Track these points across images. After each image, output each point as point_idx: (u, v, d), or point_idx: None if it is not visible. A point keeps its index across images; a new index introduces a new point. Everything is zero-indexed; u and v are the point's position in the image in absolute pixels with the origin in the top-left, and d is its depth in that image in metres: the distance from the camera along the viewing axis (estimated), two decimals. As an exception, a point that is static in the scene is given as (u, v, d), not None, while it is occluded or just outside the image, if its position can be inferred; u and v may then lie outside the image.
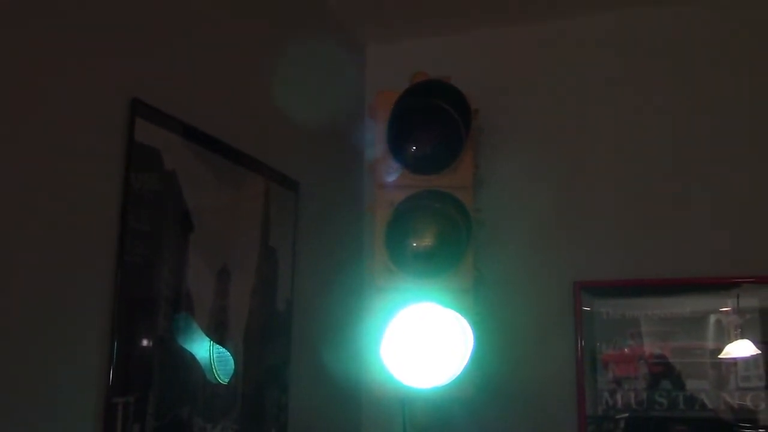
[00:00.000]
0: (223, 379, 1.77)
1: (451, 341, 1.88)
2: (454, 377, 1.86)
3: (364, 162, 2.50)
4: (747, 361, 2.18)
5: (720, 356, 2.19)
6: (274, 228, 2.03)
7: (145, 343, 1.51)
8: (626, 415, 2.24)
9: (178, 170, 1.63)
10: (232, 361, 1.81)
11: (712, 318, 2.23)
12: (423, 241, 1.99)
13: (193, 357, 1.66)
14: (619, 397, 2.26)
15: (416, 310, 1.90)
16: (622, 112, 2.43)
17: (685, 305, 2.26)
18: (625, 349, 2.27)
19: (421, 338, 1.89)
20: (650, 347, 2.26)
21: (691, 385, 2.21)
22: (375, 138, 2.03)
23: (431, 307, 1.90)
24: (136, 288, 1.48)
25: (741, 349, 2.19)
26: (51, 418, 1.28)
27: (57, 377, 1.30)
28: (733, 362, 2.18)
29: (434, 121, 2.01)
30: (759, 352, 2.17)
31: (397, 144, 1.97)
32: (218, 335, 1.77)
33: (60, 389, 1.30)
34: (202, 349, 1.70)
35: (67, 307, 1.33)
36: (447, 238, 1.96)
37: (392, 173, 1.96)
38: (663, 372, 2.24)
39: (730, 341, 2.21)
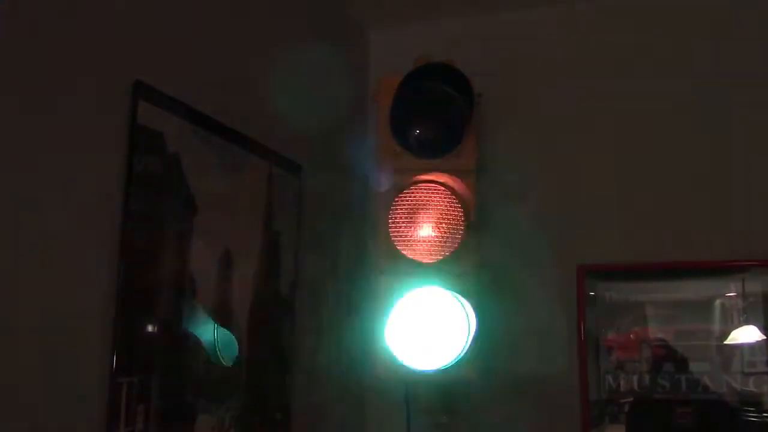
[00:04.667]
0: (227, 362, 1.78)
1: (453, 324, 1.88)
2: (457, 360, 1.87)
3: (367, 147, 2.50)
4: (752, 347, 2.17)
5: (726, 342, 2.19)
6: (278, 212, 2.04)
7: (148, 325, 1.52)
8: (630, 399, 2.24)
9: (182, 153, 1.64)
10: (236, 344, 1.82)
11: (717, 302, 2.22)
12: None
13: (197, 340, 1.67)
14: (622, 380, 2.26)
15: (419, 294, 1.90)
16: (627, 95, 2.41)
17: (690, 290, 2.24)
18: (631, 335, 2.27)
19: (424, 321, 1.90)
20: (654, 331, 2.25)
21: (694, 368, 2.20)
22: (377, 122, 2.02)
23: (434, 290, 1.90)
24: (139, 271, 1.49)
25: (747, 334, 2.18)
26: (56, 397, 1.29)
27: (61, 357, 1.31)
28: (738, 346, 2.18)
29: (437, 105, 2.00)
30: (764, 337, 2.16)
31: (400, 128, 1.97)
32: (222, 318, 1.77)
33: (64, 369, 1.32)
34: (206, 332, 1.71)
35: (70, 288, 1.34)
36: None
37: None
38: (666, 355, 2.23)
39: (734, 326, 2.20)
